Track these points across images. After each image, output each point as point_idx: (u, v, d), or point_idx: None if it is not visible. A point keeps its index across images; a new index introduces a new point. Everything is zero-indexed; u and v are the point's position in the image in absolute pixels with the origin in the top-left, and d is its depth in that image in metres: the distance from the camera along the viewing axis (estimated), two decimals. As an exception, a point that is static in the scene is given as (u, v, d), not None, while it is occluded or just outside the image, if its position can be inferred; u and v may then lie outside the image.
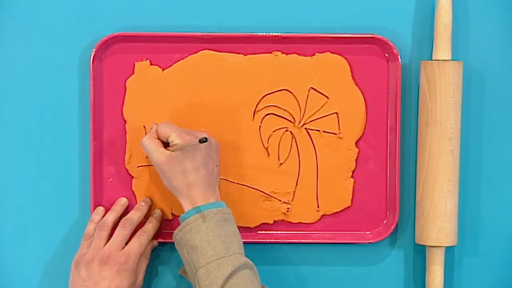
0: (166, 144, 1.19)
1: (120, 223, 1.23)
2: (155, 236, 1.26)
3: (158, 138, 1.20)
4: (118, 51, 1.26)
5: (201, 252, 1.14)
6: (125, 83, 1.26)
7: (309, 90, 1.26)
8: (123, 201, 1.26)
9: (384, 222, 1.28)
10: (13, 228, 1.28)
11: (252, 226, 1.28)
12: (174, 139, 1.17)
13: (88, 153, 1.26)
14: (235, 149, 1.27)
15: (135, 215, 1.24)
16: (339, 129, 1.27)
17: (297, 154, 1.27)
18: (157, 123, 1.21)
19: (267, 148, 1.27)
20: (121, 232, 1.22)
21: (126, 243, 1.22)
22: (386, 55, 1.26)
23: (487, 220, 1.29)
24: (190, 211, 1.17)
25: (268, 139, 1.27)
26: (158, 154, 1.18)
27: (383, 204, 1.28)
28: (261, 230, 1.28)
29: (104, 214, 1.25)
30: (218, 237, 1.15)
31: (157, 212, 1.26)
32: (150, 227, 1.25)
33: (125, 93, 1.26)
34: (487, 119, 1.28)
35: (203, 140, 1.12)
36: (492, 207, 1.29)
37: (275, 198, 1.27)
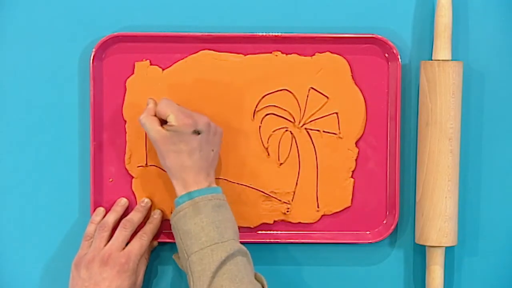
0: (164, 121, 1.19)
1: (121, 223, 1.23)
2: (155, 237, 1.26)
3: (156, 115, 1.19)
4: (118, 51, 1.26)
5: (195, 238, 1.14)
6: (125, 83, 1.26)
7: (309, 90, 1.26)
8: (123, 202, 1.26)
9: (384, 222, 1.28)
10: (13, 229, 1.28)
11: (252, 226, 1.28)
12: (171, 120, 1.17)
13: (88, 153, 1.26)
14: (235, 149, 1.27)
15: (135, 216, 1.24)
16: (339, 129, 1.27)
17: (297, 154, 1.27)
18: (154, 98, 1.21)
19: (267, 148, 1.27)
20: (122, 233, 1.22)
21: (127, 244, 1.22)
22: (386, 55, 1.26)
23: (487, 220, 1.29)
24: (183, 196, 1.17)
25: (268, 139, 1.27)
26: (154, 132, 1.18)
27: (383, 204, 1.28)
28: (261, 230, 1.28)
29: (104, 215, 1.25)
30: (212, 223, 1.15)
31: (157, 213, 1.26)
32: (151, 227, 1.25)
33: (125, 93, 1.26)
34: (487, 119, 1.28)
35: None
36: (492, 207, 1.29)
37: (275, 198, 1.27)
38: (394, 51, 1.25)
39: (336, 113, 1.27)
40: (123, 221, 1.23)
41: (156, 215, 1.26)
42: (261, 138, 1.27)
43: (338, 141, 1.27)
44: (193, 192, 1.17)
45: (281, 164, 1.27)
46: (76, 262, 1.20)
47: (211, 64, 1.26)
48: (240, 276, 1.13)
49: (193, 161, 1.18)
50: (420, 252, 1.28)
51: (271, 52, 1.26)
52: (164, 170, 1.26)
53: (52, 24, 1.27)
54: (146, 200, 1.26)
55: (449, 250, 1.28)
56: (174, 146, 1.17)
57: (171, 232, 1.25)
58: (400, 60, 1.25)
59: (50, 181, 1.28)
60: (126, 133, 1.27)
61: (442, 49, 1.24)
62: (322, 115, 1.26)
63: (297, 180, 1.27)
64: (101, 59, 1.26)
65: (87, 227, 1.24)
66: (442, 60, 1.23)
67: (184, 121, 1.17)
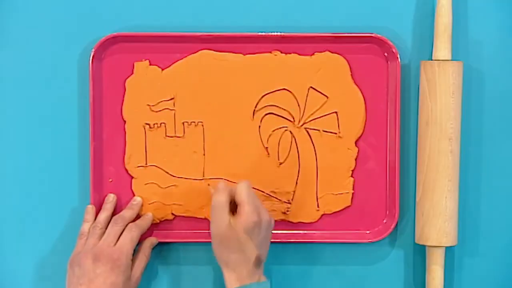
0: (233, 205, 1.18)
1: (112, 220, 1.23)
2: (155, 236, 1.26)
3: (228, 194, 1.17)
4: (118, 51, 1.26)
5: None
6: (124, 83, 1.26)
7: (308, 89, 1.26)
8: (111, 198, 1.26)
9: (384, 221, 1.28)
10: (13, 229, 1.28)
11: (252, 226, 1.28)
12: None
13: (88, 153, 1.26)
14: (234, 149, 1.26)
15: (127, 213, 1.24)
16: (339, 129, 1.27)
17: (297, 154, 1.27)
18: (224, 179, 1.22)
19: (266, 148, 1.27)
20: (114, 228, 1.22)
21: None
22: (386, 54, 1.26)
23: (487, 220, 1.29)
24: None
25: (268, 138, 1.27)
26: (222, 223, 1.15)
27: (383, 203, 1.27)
28: (261, 230, 1.28)
29: (96, 212, 1.25)
30: None
31: (149, 215, 1.26)
32: (141, 222, 1.24)
33: (124, 93, 1.26)
34: (487, 119, 1.28)
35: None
36: (492, 207, 1.29)
37: (275, 198, 1.27)
38: (394, 51, 1.25)
39: (336, 112, 1.27)
40: (114, 217, 1.23)
41: (148, 216, 1.26)
42: (260, 137, 1.27)
43: (338, 140, 1.27)
44: (247, 286, 1.16)
45: (280, 163, 1.27)
46: (71, 261, 1.20)
47: (210, 64, 1.26)
48: None
49: (252, 256, 1.17)
50: (420, 252, 1.28)
51: (270, 52, 1.26)
52: (165, 171, 1.26)
53: (52, 24, 1.27)
54: (138, 198, 1.26)
55: (449, 250, 1.28)
56: (239, 242, 1.16)
57: (171, 232, 1.26)
58: (399, 59, 1.25)
59: (50, 181, 1.28)
60: (126, 133, 1.27)
61: (442, 49, 1.24)
62: (321, 115, 1.26)
63: (297, 180, 1.27)
64: (101, 59, 1.26)
65: (82, 226, 1.24)
66: (442, 60, 1.23)
67: (251, 217, 1.15)
